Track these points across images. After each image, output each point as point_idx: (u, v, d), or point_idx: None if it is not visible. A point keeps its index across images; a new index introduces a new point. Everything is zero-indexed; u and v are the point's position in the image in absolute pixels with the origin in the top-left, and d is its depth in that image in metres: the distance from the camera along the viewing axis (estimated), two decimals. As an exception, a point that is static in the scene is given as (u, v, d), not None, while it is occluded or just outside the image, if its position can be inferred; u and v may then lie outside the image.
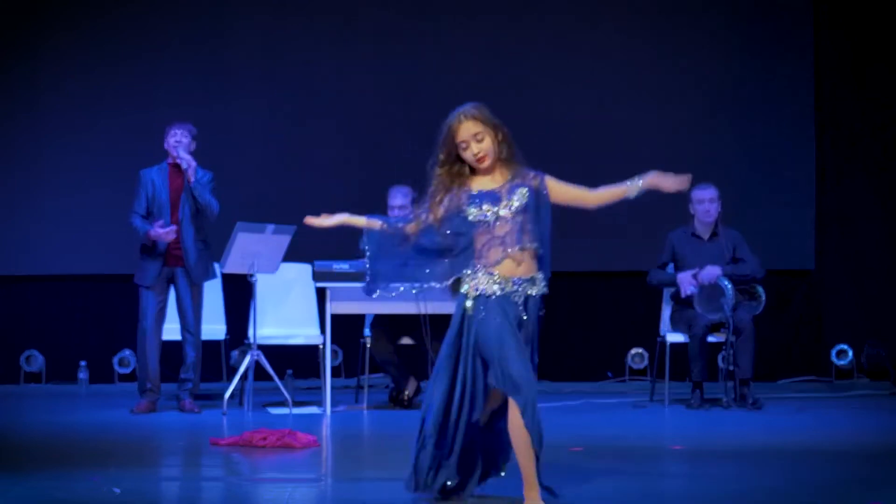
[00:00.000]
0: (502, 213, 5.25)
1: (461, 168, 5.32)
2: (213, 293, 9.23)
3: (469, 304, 5.26)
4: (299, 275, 9.25)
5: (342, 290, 8.52)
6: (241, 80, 10.18)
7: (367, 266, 5.42)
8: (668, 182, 5.34)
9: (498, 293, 5.22)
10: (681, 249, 9.05)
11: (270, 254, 8.66)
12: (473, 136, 5.27)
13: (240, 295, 9.21)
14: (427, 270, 5.35)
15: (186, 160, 8.48)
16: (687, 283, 8.86)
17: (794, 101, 10.36)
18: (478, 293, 5.24)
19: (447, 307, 8.65)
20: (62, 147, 10.09)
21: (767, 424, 8.07)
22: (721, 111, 10.40)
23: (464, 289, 5.28)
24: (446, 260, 5.32)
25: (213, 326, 9.23)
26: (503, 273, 5.25)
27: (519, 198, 5.26)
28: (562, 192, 5.38)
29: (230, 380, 8.82)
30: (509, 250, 5.25)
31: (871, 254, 10.47)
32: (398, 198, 8.93)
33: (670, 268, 9.12)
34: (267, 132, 10.19)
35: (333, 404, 8.65)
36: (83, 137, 10.07)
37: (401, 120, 10.16)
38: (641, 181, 5.33)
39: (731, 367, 8.69)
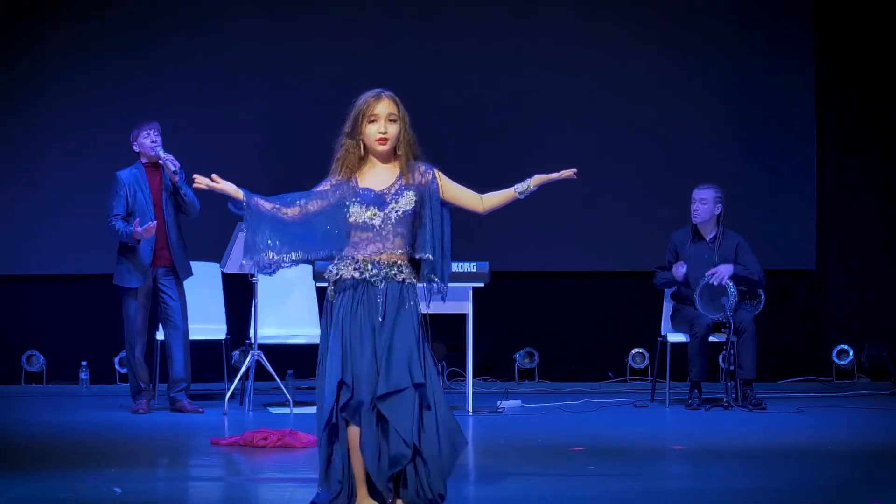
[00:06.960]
0: (389, 215, 5.04)
1: (358, 151, 5.15)
2: (213, 293, 9.23)
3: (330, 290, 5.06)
4: (300, 275, 9.22)
5: (342, 290, 8.50)
6: (242, 79, 10.17)
7: (247, 238, 5.09)
8: (553, 176, 5.25)
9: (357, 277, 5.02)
10: (683, 249, 9.05)
11: (271, 254, 8.63)
12: (388, 115, 5.13)
13: (240, 295, 9.20)
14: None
15: (171, 159, 8.39)
16: (678, 267, 8.89)
17: (795, 100, 10.36)
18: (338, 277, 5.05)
19: (448, 307, 8.69)
20: (63, 147, 10.08)
21: (768, 424, 8.07)
22: (722, 111, 10.40)
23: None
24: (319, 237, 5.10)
25: (214, 326, 9.23)
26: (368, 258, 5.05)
27: (406, 202, 5.07)
28: (452, 193, 5.17)
29: (231, 380, 8.82)
30: (389, 248, 5.04)
31: (872, 254, 10.47)
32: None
33: (675, 267, 9.13)
34: (268, 132, 10.18)
35: (334, 404, 8.64)
36: (83, 137, 10.07)
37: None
38: (530, 180, 5.21)
39: (732, 367, 8.69)
